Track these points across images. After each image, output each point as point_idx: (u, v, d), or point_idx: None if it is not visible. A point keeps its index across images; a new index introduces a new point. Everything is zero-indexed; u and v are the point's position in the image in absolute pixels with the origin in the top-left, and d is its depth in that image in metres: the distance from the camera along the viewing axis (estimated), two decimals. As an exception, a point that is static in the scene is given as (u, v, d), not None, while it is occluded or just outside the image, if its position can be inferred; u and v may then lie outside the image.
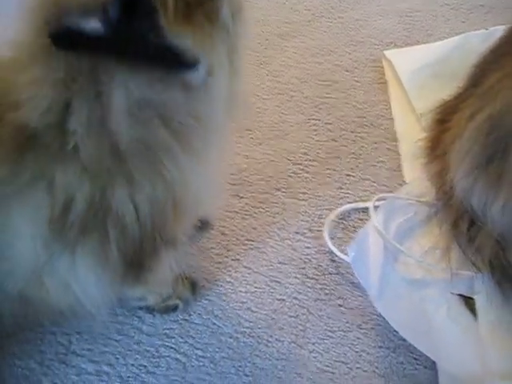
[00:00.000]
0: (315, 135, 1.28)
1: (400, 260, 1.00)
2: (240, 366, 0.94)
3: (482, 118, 0.90)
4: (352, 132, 1.28)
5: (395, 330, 0.94)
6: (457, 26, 1.53)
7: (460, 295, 0.97)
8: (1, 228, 0.72)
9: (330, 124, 1.30)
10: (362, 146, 1.25)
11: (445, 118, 1.04)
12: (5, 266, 0.76)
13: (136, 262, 0.82)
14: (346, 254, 1.04)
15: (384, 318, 0.95)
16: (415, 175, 1.13)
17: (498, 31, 1.27)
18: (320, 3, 1.64)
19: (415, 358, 0.93)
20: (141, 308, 1.00)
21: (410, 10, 1.59)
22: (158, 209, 0.75)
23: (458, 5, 1.59)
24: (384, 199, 1.09)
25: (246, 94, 0.79)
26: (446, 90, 1.09)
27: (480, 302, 0.94)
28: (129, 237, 0.76)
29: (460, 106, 0.99)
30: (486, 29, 1.42)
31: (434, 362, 0.91)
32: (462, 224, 0.96)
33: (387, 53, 1.44)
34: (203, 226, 1.10)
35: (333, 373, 0.93)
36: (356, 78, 1.40)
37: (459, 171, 0.93)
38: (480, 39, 1.35)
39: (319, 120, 1.31)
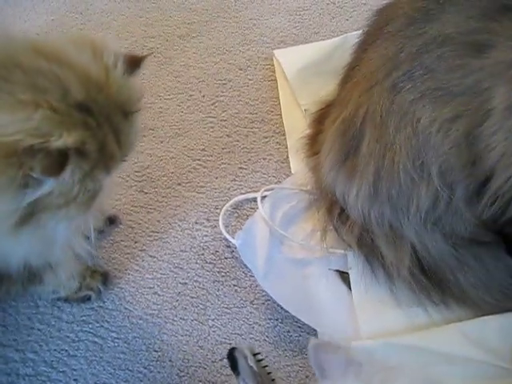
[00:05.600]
0: (212, 132, 1.39)
1: (285, 243, 1.13)
2: (150, 344, 1.07)
3: (339, 122, 1.03)
4: (244, 128, 1.39)
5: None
6: (341, 23, 1.64)
7: (337, 271, 1.10)
8: None
9: (225, 121, 1.41)
10: (254, 141, 1.36)
11: (320, 120, 1.17)
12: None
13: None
14: (239, 241, 1.16)
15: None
16: (300, 167, 1.24)
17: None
18: (217, 3, 1.73)
19: (299, 327, 1.06)
20: (58, 299, 1.11)
21: (299, 8, 1.70)
22: None
23: (343, 3, 1.70)
24: (271, 189, 1.22)
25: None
26: (328, 87, 1.20)
27: (353, 275, 1.07)
28: None
29: (330, 111, 1.13)
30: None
31: (315, 329, 1.05)
32: (334, 210, 1.09)
33: (276, 52, 1.54)
34: (113, 221, 1.21)
35: (230, 344, 1.06)
36: (249, 77, 1.51)
37: (325, 167, 1.06)
38: (358, 39, 1.47)
39: (215, 117, 1.42)
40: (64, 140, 0.68)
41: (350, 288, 1.08)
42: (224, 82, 1.51)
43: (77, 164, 0.71)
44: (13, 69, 0.73)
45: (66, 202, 0.74)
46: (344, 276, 1.10)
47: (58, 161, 0.68)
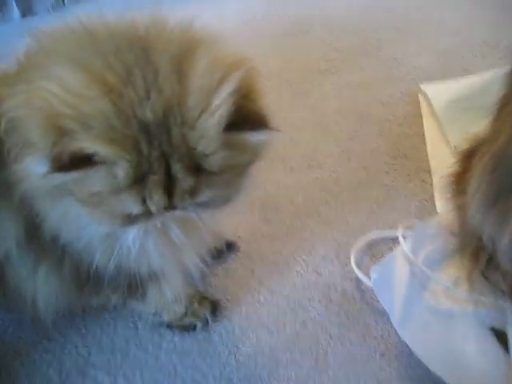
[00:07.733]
0: (347, 166, 1.28)
1: (428, 288, 0.98)
2: (257, 388, 0.92)
3: (487, 157, 0.89)
4: (384, 163, 1.27)
5: (419, 360, 0.90)
6: (494, 61, 1.51)
7: (492, 328, 0.93)
8: None
9: (363, 155, 1.30)
10: (394, 177, 1.23)
11: (468, 158, 1.03)
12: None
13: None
14: (372, 281, 1.01)
15: (407, 348, 0.92)
16: (446, 206, 1.09)
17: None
18: (358, 42, 1.66)
19: (440, 391, 0.89)
20: (160, 324, 1.00)
21: (446, 48, 1.60)
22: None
23: (497, 42, 1.59)
24: (412, 227, 1.07)
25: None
26: (480, 123, 1.08)
27: (511, 333, 0.90)
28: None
29: (479, 148, 0.99)
30: (524, 64, 1.40)
31: (459, 396, 0.87)
32: (482, 255, 0.94)
33: (423, 86, 1.44)
34: (229, 247, 1.11)
35: (352, 401, 0.90)
36: (390, 112, 1.40)
37: (471, 208, 0.92)
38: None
39: (352, 151, 1.31)
40: (91, 148, 0.58)
41: (506, 349, 0.89)
42: (363, 116, 1.40)
43: (103, 175, 0.61)
44: (135, 49, 0.65)
45: (84, 201, 0.66)
46: (502, 336, 0.91)
47: (65, 159, 0.58)
